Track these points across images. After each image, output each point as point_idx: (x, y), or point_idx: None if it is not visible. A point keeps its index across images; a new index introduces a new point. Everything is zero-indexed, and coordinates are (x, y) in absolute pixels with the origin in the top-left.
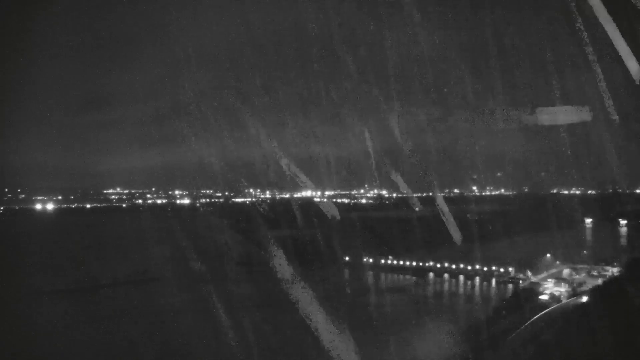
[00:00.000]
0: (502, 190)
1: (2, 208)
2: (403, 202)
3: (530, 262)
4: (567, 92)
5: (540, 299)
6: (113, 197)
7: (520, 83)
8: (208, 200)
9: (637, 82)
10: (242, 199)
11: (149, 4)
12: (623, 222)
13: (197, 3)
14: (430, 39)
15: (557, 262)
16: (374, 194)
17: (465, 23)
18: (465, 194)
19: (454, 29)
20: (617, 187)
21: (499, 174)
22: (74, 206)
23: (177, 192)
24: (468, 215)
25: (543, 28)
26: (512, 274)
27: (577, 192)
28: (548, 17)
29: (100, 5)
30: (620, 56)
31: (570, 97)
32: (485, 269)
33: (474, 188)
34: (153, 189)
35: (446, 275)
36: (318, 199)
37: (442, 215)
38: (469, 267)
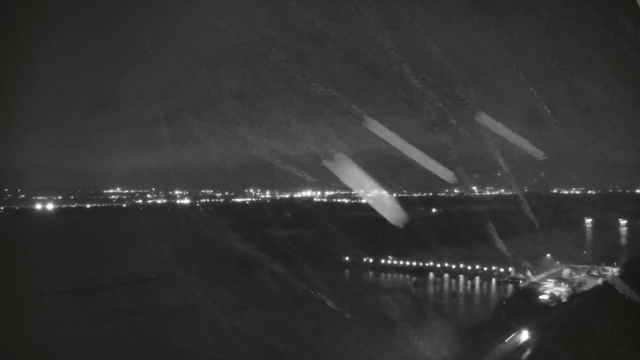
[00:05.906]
0: (502, 190)
1: (2, 208)
2: (403, 202)
3: (530, 262)
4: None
5: (540, 299)
6: (113, 197)
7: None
8: (208, 200)
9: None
10: (242, 199)
11: (151, 8)
12: (623, 222)
13: (199, 7)
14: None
15: (557, 262)
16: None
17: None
18: (465, 194)
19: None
20: (617, 187)
21: (499, 173)
22: (74, 206)
23: (177, 192)
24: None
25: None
26: (512, 274)
27: (577, 192)
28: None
29: (102, 8)
30: None
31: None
32: (485, 269)
33: (474, 188)
34: (153, 189)
35: (446, 275)
36: (318, 199)
37: None
38: (469, 267)
